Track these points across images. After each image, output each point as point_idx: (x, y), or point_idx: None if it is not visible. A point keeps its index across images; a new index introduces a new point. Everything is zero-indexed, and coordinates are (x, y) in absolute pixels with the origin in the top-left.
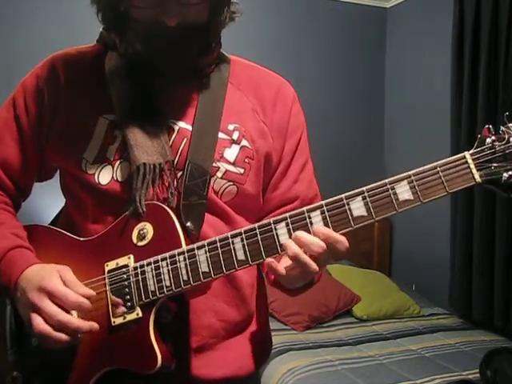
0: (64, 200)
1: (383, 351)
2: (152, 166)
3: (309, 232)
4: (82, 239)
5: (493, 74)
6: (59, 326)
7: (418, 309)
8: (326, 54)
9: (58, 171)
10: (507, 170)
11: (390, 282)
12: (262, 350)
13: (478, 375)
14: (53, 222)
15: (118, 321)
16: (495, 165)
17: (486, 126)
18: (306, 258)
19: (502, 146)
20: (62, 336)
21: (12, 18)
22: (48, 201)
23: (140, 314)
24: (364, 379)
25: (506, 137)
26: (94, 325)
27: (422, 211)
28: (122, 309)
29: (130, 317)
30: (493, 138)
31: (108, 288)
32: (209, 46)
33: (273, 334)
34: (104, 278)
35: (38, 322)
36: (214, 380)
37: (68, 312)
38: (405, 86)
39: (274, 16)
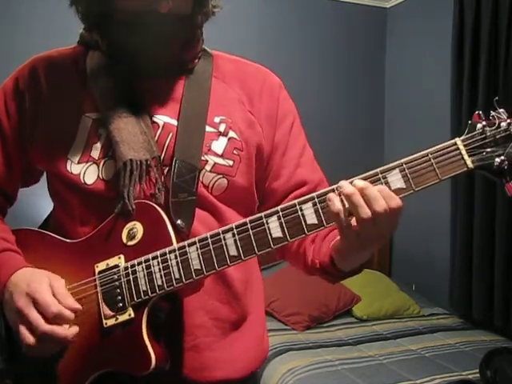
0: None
1: (383, 351)
2: (139, 162)
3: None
4: (70, 241)
5: (493, 74)
6: (44, 336)
7: (418, 309)
8: (326, 53)
9: (45, 174)
10: (499, 155)
11: (390, 282)
12: (259, 350)
13: (478, 375)
14: (43, 226)
15: (110, 322)
16: (487, 150)
17: (477, 112)
18: (361, 200)
19: (493, 131)
20: (49, 346)
21: (11, 19)
22: (42, 203)
23: (132, 315)
24: (364, 379)
25: (497, 122)
26: (76, 329)
27: (422, 211)
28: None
29: (122, 318)
30: (483, 123)
31: (99, 289)
32: (193, 38)
33: (273, 333)
34: (94, 280)
35: (25, 334)
36: (211, 382)
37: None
38: (405, 85)
39: (273, 16)
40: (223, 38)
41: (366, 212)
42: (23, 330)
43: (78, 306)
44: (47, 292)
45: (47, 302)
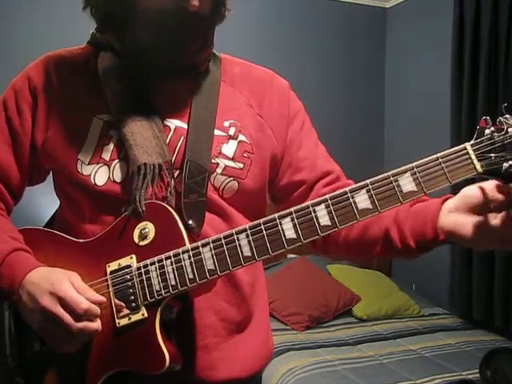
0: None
1: (383, 351)
2: (152, 166)
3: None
4: (80, 241)
5: (493, 74)
6: (79, 333)
7: (418, 309)
8: (326, 53)
9: (51, 173)
10: (507, 160)
11: (390, 282)
12: (264, 350)
13: (478, 375)
14: (48, 225)
15: (123, 322)
16: (495, 155)
17: (483, 118)
18: None
19: (501, 137)
20: (83, 340)
21: (10, 17)
22: (44, 201)
23: (146, 314)
24: (364, 379)
25: (505, 127)
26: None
27: None
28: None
29: (136, 317)
30: (492, 129)
31: (111, 289)
32: (208, 40)
33: (273, 334)
34: (106, 280)
35: (60, 332)
36: (218, 382)
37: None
38: (405, 85)
39: (273, 16)
40: (221, 38)
41: None
42: (56, 329)
43: (101, 297)
44: (72, 290)
45: (76, 299)
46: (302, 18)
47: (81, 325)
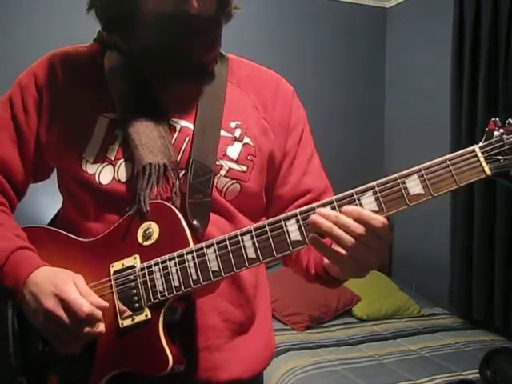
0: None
1: (383, 351)
2: (157, 166)
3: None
4: (84, 240)
5: (493, 74)
6: (85, 335)
7: (418, 309)
8: (325, 54)
9: (56, 171)
10: None
11: (390, 282)
12: (266, 351)
13: (478, 375)
14: (51, 224)
15: (126, 323)
16: (504, 158)
17: (492, 119)
18: (339, 232)
19: (511, 139)
20: (86, 342)
21: (10, 17)
22: (47, 201)
23: (149, 315)
24: (364, 379)
25: None
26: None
27: (422, 211)
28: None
29: (139, 318)
30: (501, 131)
31: (114, 290)
32: (215, 40)
33: None
34: (110, 280)
35: (64, 335)
36: (221, 382)
37: None
38: (405, 86)
39: (273, 16)
40: (230, 38)
41: (348, 240)
42: (58, 330)
43: (103, 303)
44: (76, 292)
45: (79, 302)
46: (301, 17)
47: (84, 328)
